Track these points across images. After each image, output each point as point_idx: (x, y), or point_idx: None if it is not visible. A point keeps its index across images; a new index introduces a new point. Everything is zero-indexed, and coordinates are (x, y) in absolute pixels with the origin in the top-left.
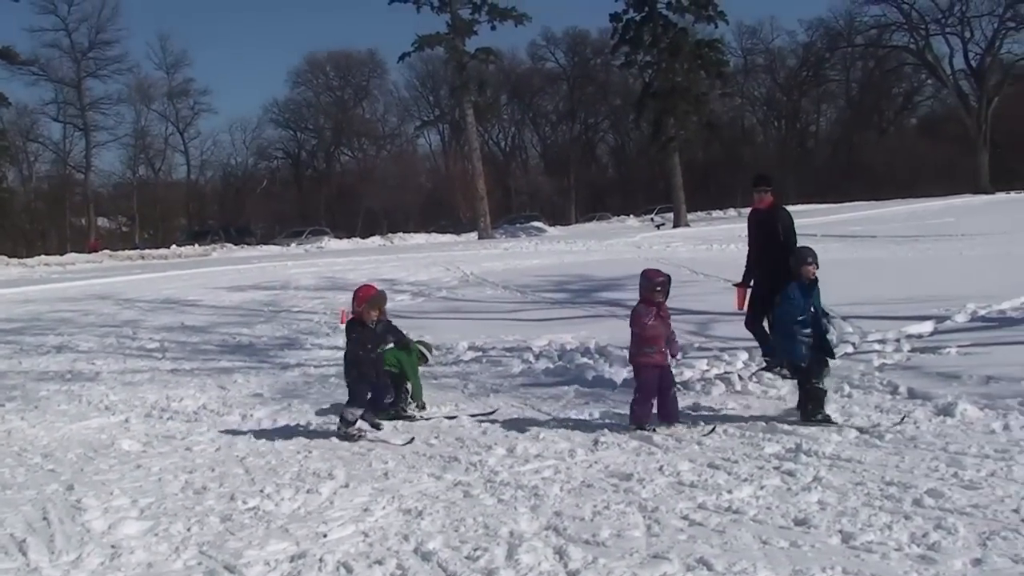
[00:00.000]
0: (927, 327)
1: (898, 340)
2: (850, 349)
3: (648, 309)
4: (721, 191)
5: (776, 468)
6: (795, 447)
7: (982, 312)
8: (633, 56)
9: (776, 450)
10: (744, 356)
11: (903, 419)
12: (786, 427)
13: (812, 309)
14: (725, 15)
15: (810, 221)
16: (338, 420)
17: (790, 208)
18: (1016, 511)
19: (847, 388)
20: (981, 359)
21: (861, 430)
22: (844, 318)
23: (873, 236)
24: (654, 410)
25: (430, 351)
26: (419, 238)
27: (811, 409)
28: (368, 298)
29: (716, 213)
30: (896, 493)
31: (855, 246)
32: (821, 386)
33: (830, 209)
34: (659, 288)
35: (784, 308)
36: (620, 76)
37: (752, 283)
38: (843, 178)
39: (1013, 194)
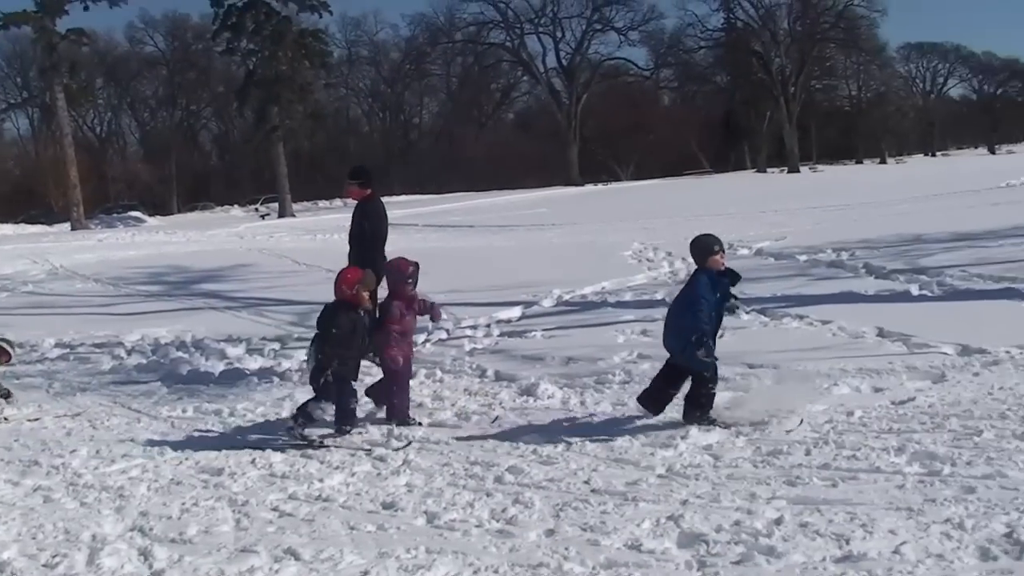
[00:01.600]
0: (516, 312)
1: (488, 326)
2: (444, 335)
3: (399, 303)
4: (328, 181)
5: (368, 454)
6: (387, 433)
7: (567, 297)
8: (235, 43)
9: (368, 437)
10: None
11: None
12: (381, 414)
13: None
14: (328, 5)
15: (412, 212)
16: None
17: (394, 199)
18: (587, 482)
19: (439, 373)
20: (562, 341)
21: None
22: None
23: (471, 226)
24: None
25: (12, 348)
26: (6, 229)
27: (700, 416)
28: (360, 279)
29: (323, 203)
30: (480, 472)
31: (454, 236)
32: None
33: (431, 200)
34: (410, 280)
35: (695, 313)
36: (223, 63)
37: None
38: (444, 170)
39: (600, 186)
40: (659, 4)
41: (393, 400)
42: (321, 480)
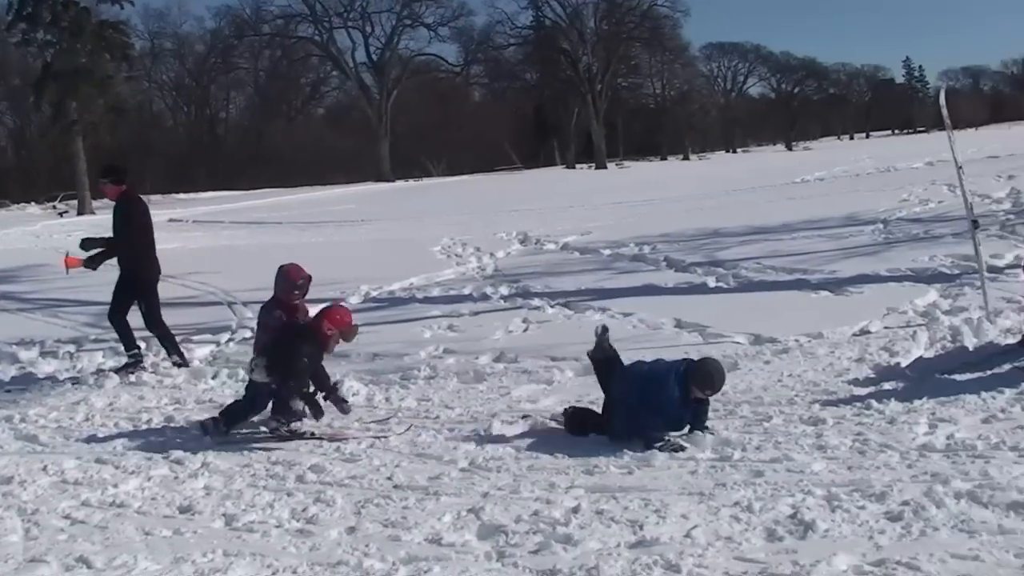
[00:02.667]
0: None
1: None
2: (248, 334)
3: (280, 312)
4: (131, 177)
5: (165, 457)
6: (183, 437)
7: (374, 293)
8: (31, 34)
9: (164, 439)
10: (143, 347)
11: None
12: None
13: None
14: None
15: (218, 208)
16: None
17: (201, 196)
18: (389, 478)
19: (241, 372)
20: (369, 338)
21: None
22: (245, 304)
23: (279, 223)
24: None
25: None
26: None
27: None
28: (344, 328)
29: None
30: (281, 472)
31: (261, 233)
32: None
33: (239, 196)
34: (298, 290)
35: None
36: (19, 54)
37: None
38: (252, 165)
39: (411, 182)
40: (469, 1)
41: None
42: (116, 486)
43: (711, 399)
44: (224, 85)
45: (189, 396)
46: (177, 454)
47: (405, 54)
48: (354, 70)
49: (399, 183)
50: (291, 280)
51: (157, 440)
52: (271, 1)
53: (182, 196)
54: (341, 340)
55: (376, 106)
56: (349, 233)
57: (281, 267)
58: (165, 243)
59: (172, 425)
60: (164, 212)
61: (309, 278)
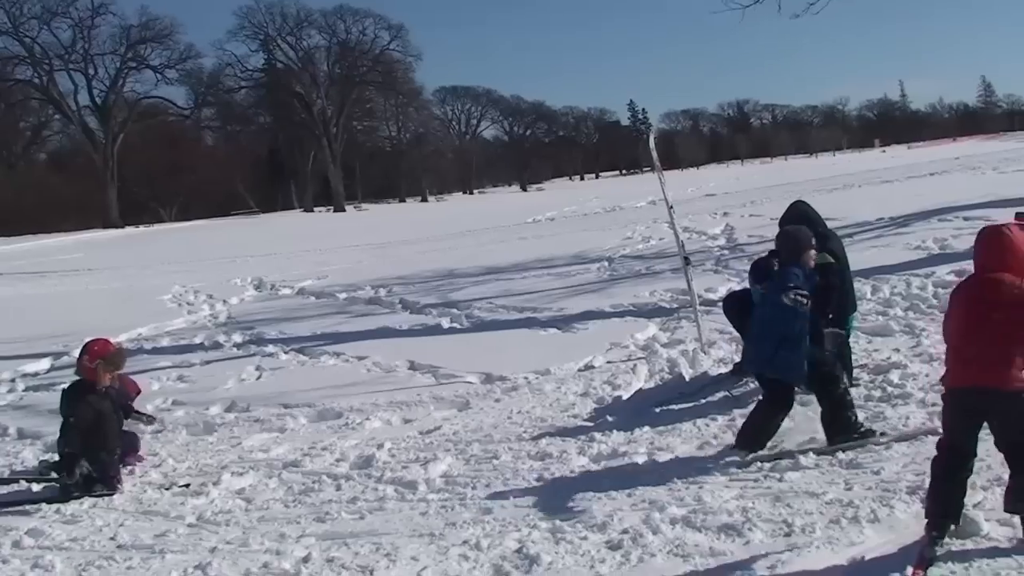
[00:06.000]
0: (45, 364)
1: (13, 380)
2: None
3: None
4: None
5: None
6: None
7: None
8: None
9: None
10: None
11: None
12: None
13: None
14: None
15: None
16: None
17: None
18: (113, 538)
19: None
20: None
21: None
22: None
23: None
24: None
25: None
26: None
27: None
28: (106, 355)
29: None
30: None
31: None
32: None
33: None
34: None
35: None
36: None
37: None
38: None
39: (142, 227)
40: (197, 43)
41: None
42: None
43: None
44: None
45: None
46: None
47: (131, 97)
48: (77, 114)
49: (129, 229)
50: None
51: None
52: None
53: None
54: (109, 370)
55: (102, 150)
56: (73, 283)
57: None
58: None
59: None
60: None
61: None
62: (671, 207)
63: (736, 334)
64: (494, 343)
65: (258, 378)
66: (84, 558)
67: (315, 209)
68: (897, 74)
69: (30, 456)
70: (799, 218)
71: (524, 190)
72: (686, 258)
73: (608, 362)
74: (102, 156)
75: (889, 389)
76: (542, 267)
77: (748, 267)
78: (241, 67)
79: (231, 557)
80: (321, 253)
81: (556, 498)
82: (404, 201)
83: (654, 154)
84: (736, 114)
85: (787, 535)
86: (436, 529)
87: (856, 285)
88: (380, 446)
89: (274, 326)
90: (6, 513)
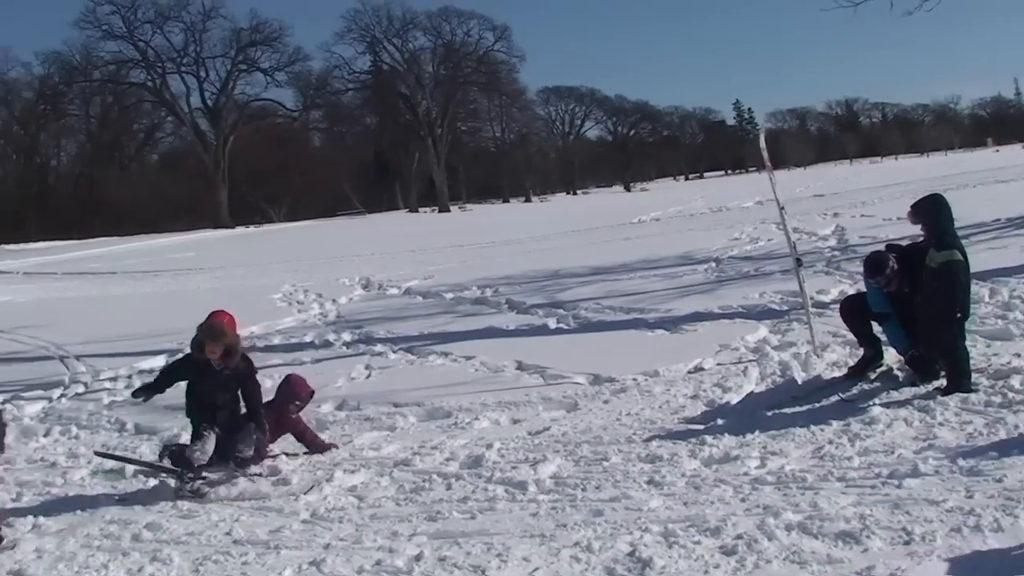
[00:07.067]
0: (160, 361)
1: (130, 376)
2: (81, 389)
3: None
4: None
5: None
6: (13, 498)
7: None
8: None
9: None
10: None
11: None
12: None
13: None
14: None
15: (50, 259)
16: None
17: (31, 246)
18: (228, 533)
19: (75, 429)
20: None
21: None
22: (77, 358)
23: (114, 272)
24: None
25: None
26: None
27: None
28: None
29: None
30: (116, 531)
31: (95, 283)
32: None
33: (72, 246)
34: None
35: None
36: None
37: None
38: (86, 214)
39: (252, 228)
40: (305, 46)
41: None
42: None
43: None
44: (54, 132)
45: (19, 455)
46: (7, 516)
47: (241, 99)
48: (189, 116)
49: (239, 229)
50: (295, 391)
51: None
52: (101, 47)
53: (11, 247)
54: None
55: (213, 152)
56: (186, 282)
57: (288, 376)
58: None
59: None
60: None
61: (312, 394)
62: (782, 207)
63: (851, 337)
64: (601, 344)
65: (368, 377)
66: (201, 552)
67: (420, 209)
68: (1012, 71)
69: (147, 451)
70: (931, 204)
71: (628, 190)
72: (798, 259)
73: (718, 364)
74: (213, 157)
75: (1010, 395)
76: (648, 267)
77: (861, 269)
78: (348, 69)
79: (344, 554)
80: (427, 253)
81: (668, 501)
82: (508, 201)
83: (765, 153)
84: (844, 112)
85: (906, 543)
86: (547, 530)
87: (974, 288)
88: (489, 446)
89: (382, 325)
90: (126, 506)
